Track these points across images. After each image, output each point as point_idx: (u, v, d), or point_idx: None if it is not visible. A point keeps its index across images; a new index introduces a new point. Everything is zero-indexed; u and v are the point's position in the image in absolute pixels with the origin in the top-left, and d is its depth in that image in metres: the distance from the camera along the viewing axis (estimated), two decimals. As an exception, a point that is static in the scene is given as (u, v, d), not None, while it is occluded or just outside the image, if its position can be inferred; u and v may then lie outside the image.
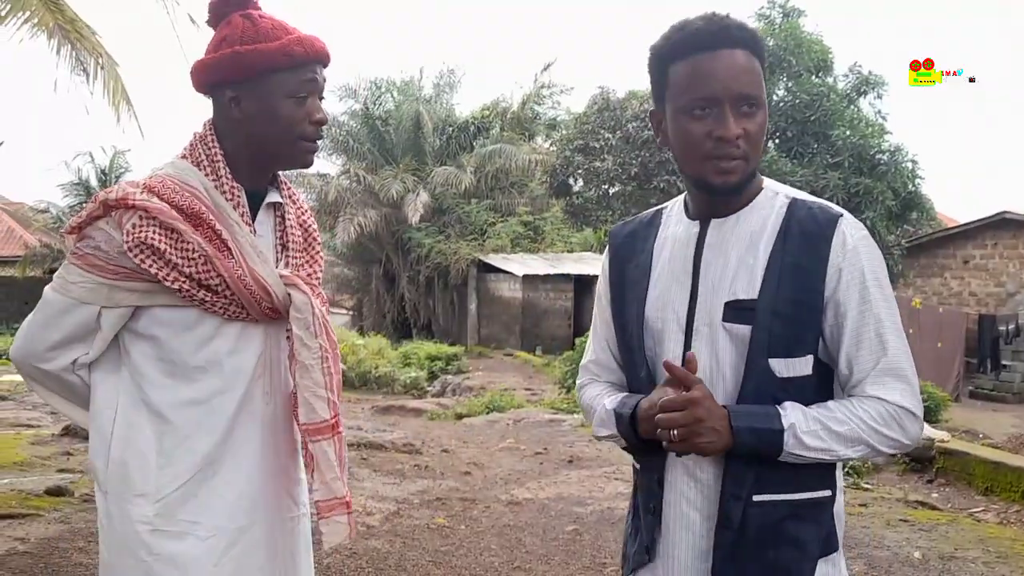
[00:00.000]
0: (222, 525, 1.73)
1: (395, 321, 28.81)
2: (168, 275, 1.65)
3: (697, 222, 1.69)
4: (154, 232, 1.64)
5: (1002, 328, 17.90)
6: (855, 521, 6.00)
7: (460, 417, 12.42)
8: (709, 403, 1.53)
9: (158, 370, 1.72)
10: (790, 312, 1.56)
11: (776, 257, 1.58)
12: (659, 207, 1.84)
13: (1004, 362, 17.56)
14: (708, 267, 1.64)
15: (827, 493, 1.63)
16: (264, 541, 1.80)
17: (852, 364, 1.57)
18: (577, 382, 1.96)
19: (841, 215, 1.61)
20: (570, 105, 30.60)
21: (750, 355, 1.58)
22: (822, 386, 1.62)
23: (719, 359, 1.61)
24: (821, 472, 1.62)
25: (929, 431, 8.38)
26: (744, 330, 1.58)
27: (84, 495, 5.69)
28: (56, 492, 5.81)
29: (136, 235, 1.64)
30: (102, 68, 7.94)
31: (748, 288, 1.58)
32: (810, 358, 1.59)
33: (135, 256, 1.64)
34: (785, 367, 1.57)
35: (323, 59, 1.80)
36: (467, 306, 26.79)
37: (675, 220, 1.75)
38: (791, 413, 1.55)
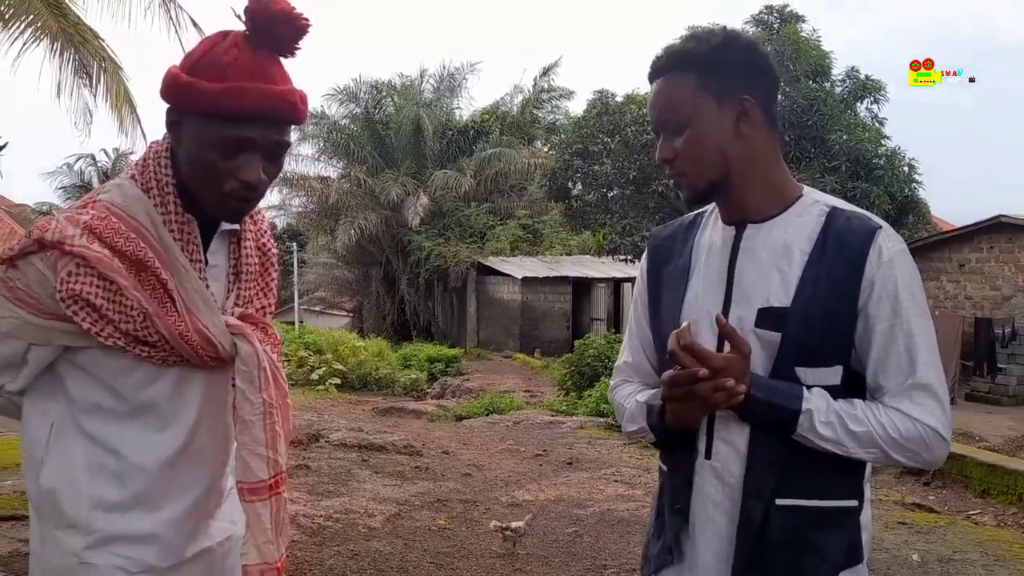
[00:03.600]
0: (154, 564, 1.64)
1: (395, 323, 28.84)
2: (102, 330, 1.53)
3: (733, 227, 1.69)
4: (90, 285, 1.50)
5: (998, 331, 17.89)
6: (853, 523, 6.02)
7: (460, 419, 12.45)
8: (730, 362, 1.55)
9: (96, 402, 1.61)
10: (821, 322, 1.56)
11: (812, 267, 1.58)
12: (700, 211, 1.83)
13: (1000, 365, 17.53)
14: (742, 272, 1.64)
15: (853, 503, 1.62)
16: (200, 573, 1.72)
17: (879, 377, 1.57)
18: (610, 383, 1.95)
19: (880, 227, 1.59)
20: (569, 109, 30.68)
21: (777, 362, 1.58)
22: (851, 396, 1.59)
23: (750, 364, 1.58)
24: (847, 480, 1.62)
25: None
26: (775, 336, 1.58)
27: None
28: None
29: (71, 286, 1.50)
30: (105, 71, 7.98)
31: (782, 296, 1.58)
32: (839, 369, 1.58)
33: (68, 308, 1.51)
34: (812, 376, 1.57)
35: (277, 117, 1.56)
36: (466, 308, 26.83)
37: (712, 224, 1.75)
38: (815, 399, 1.55)
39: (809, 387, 1.56)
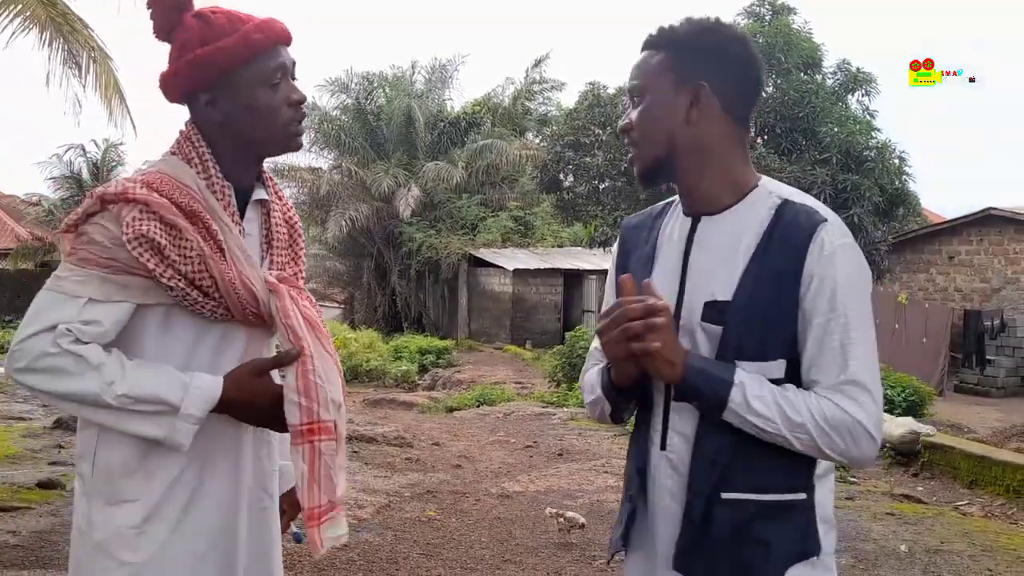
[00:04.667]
0: (208, 524, 1.74)
1: (386, 315, 28.81)
2: (164, 272, 1.62)
3: (690, 219, 1.71)
4: (155, 227, 1.62)
5: (987, 323, 18.00)
6: (842, 514, 6.05)
7: (451, 410, 12.46)
8: (669, 327, 1.57)
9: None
10: (762, 316, 1.57)
11: (756, 260, 1.58)
12: (669, 200, 1.84)
13: (989, 357, 17.65)
14: (694, 265, 1.66)
15: (800, 496, 1.61)
16: (244, 537, 1.80)
17: (812, 371, 1.57)
18: (583, 369, 1.96)
19: (824, 221, 1.59)
20: (561, 101, 30.63)
21: (719, 356, 1.59)
22: None
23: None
24: (794, 474, 1.61)
25: (914, 425, 8.46)
26: (717, 330, 1.59)
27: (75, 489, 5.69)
28: (48, 485, 5.82)
29: (136, 228, 1.60)
30: (95, 61, 7.95)
31: (725, 289, 1.59)
32: (782, 363, 1.58)
33: (133, 249, 1.61)
34: (754, 370, 1.57)
35: (284, 39, 1.77)
36: (458, 300, 26.81)
37: (678, 214, 1.76)
38: (744, 375, 1.55)
39: None
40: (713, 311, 1.60)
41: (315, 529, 1.75)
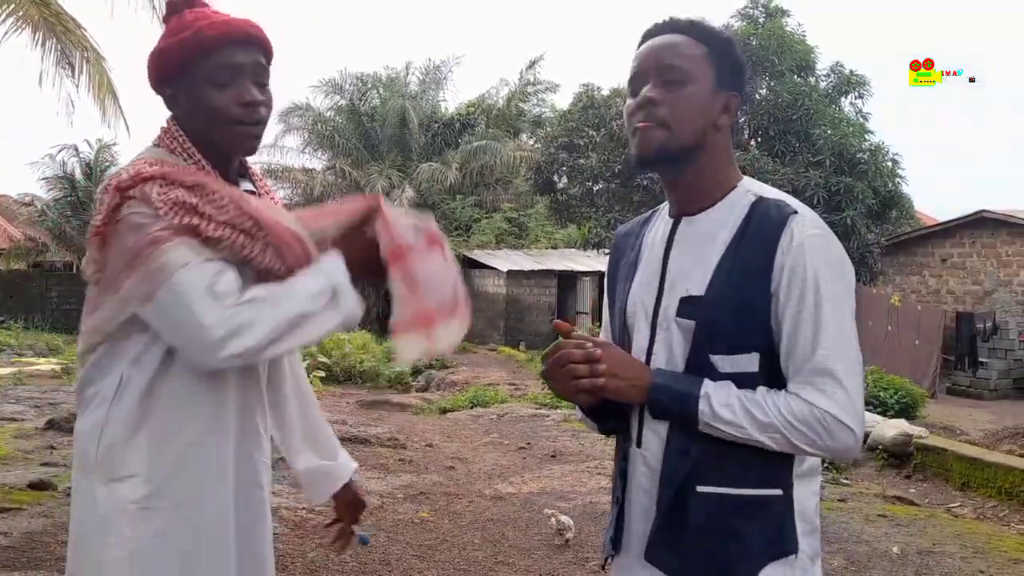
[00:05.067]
0: (206, 502, 1.75)
1: (380, 316, 28.70)
2: (208, 226, 1.64)
3: (671, 220, 1.75)
4: (181, 192, 1.63)
5: (979, 326, 18.07)
6: (834, 516, 6.07)
7: (444, 412, 12.43)
8: (613, 351, 1.64)
9: (156, 357, 1.71)
10: (733, 309, 1.58)
11: (729, 255, 1.61)
12: (659, 207, 1.86)
13: (981, 359, 17.71)
14: (673, 264, 1.69)
15: (776, 492, 1.61)
16: (237, 520, 1.81)
17: (786, 362, 1.58)
18: None
19: (794, 213, 1.60)
20: (555, 102, 30.66)
21: (692, 350, 1.62)
22: (772, 385, 1.59)
23: (673, 353, 1.65)
24: (769, 469, 1.61)
25: (907, 427, 8.49)
26: (690, 324, 1.62)
27: (67, 489, 5.67)
28: (39, 486, 5.80)
29: (166, 196, 1.62)
30: (88, 62, 7.93)
31: (699, 284, 1.62)
32: (755, 356, 1.59)
33: (173, 216, 1.61)
34: (728, 363, 1.59)
35: (242, 39, 1.74)
36: (451, 302, 26.74)
37: (663, 218, 1.80)
38: (710, 385, 1.58)
39: (727, 375, 1.59)
40: (687, 306, 1.63)
41: (424, 333, 1.81)
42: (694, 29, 1.69)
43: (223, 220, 1.66)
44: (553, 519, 5.27)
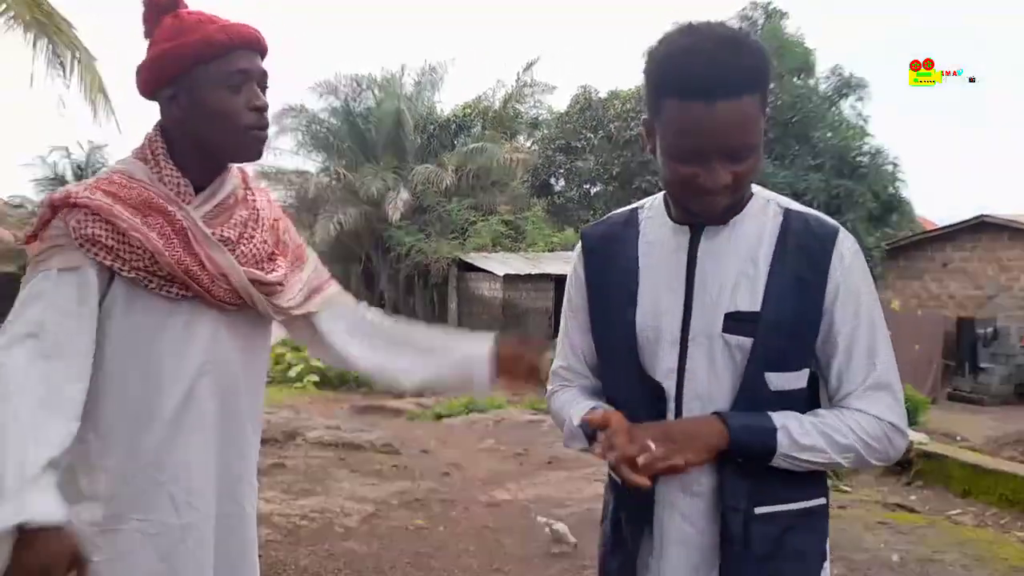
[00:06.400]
0: (169, 522, 1.74)
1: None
2: (123, 266, 1.67)
3: (686, 228, 1.64)
4: (100, 229, 1.65)
5: (980, 331, 18.02)
6: (834, 524, 5.92)
7: (440, 417, 12.39)
8: (682, 427, 1.55)
9: (98, 376, 1.70)
10: (791, 326, 1.55)
11: (776, 269, 1.56)
12: (633, 207, 1.78)
13: (982, 365, 17.66)
14: (705, 277, 1.60)
15: (822, 500, 1.65)
16: (209, 539, 1.80)
17: (842, 378, 1.59)
18: (548, 388, 1.90)
19: (838, 229, 1.60)
20: (552, 104, 30.61)
21: (748, 368, 1.56)
22: (813, 400, 1.63)
23: (717, 371, 1.58)
24: (816, 478, 1.64)
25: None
26: (745, 342, 1.55)
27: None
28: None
29: (83, 231, 1.65)
30: (79, 62, 7.88)
31: (750, 300, 1.56)
32: (805, 372, 1.60)
33: (87, 251, 1.65)
34: (781, 381, 1.57)
35: (251, 45, 1.77)
36: (447, 305, 26.75)
37: (657, 223, 1.69)
38: (783, 415, 1.56)
39: (778, 392, 1.57)
40: (739, 322, 1.56)
41: None
42: (752, 80, 1.47)
43: (136, 266, 1.67)
44: (548, 528, 5.20)
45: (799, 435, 1.54)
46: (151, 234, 1.67)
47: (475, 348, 2.04)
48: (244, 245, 1.80)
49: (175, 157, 1.76)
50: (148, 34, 1.79)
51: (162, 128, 1.79)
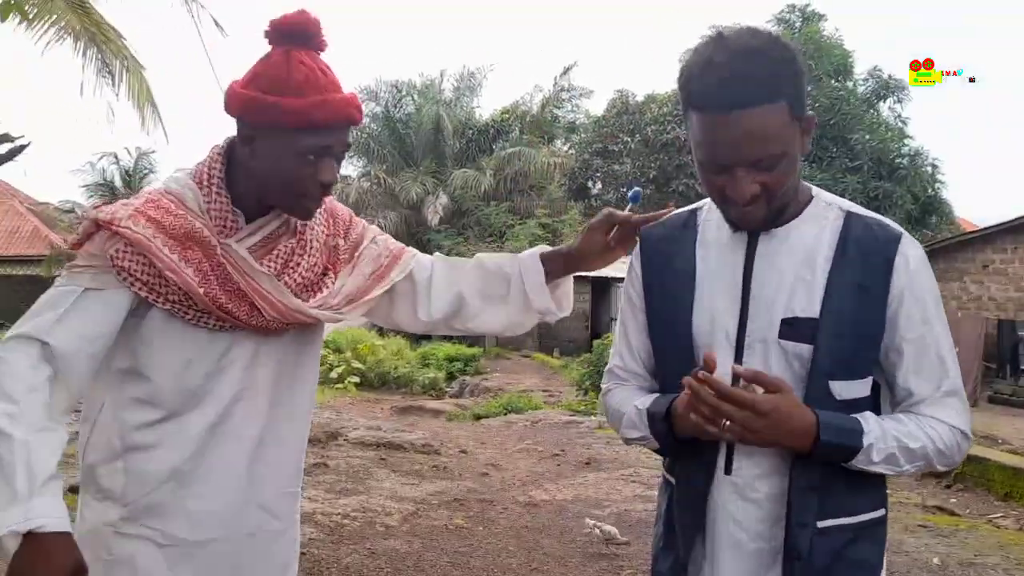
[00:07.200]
0: (182, 537, 1.73)
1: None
2: (158, 298, 1.66)
3: (743, 232, 1.60)
4: (136, 263, 1.64)
5: (1021, 333, 17.74)
6: (873, 526, 5.97)
7: (478, 418, 12.44)
8: (775, 403, 1.46)
9: (132, 384, 1.72)
10: (853, 333, 1.51)
11: (836, 274, 1.52)
12: (692, 207, 1.74)
13: (1023, 367, 17.39)
14: (761, 280, 1.56)
15: (882, 512, 1.61)
16: (227, 557, 1.78)
17: (912, 386, 1.55)
18: (602, 386, 1.88)
19: (902, 234, 1.56)
20: (589, 108, 30.60)
21: (811, 377, 1.52)
22: (875, 408, 1.57)
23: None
24: (878, 490, 1.60)
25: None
26: (802, 349, 1.52)
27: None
28: (76, 490, 5.84)
29: (119, 262, 1.64)
30: (127, 71, 8.04)
31: (807, 306, 1.52)
32: (869, 380, 1.55)
33: (123, 279, 1.64)
34: (845, 389, 1.52)
35: (348, 122, 1.70)
36: (485, 308, 26.75)
37: (715, 225, 1.66)
38: (872, 430, 1.50)
39: (843, 401, 1.52)
40: (796, 328, 1.53)
41: None
42: (774, 88, 1.45)
43: (172, 300, 1.67)
44: (597, 529, 5.23)
45: (877, 453, 1.50)
46: (187, 271, 1.64)
47: (532, 280, 2.02)
48: (288, 276, 1.75)
49: (232, 183, 1.73)
50: (270, 41, 1.71)
51: (230, 146, 1.75)
